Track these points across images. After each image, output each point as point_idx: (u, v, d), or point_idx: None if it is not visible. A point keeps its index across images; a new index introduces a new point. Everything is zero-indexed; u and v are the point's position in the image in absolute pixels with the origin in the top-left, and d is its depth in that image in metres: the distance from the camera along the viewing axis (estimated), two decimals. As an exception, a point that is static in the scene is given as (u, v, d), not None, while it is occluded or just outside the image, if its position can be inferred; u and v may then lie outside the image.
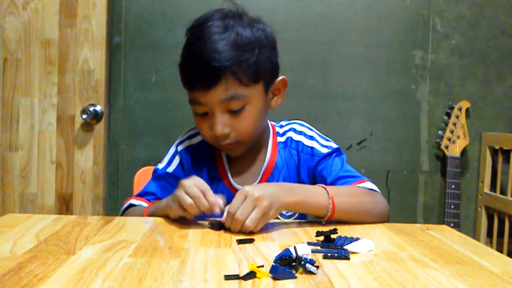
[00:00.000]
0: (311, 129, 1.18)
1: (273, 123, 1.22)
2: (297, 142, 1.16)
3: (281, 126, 1.21)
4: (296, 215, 1.10)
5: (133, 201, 1.14)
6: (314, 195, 0.97)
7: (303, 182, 1.15)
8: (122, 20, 2.04)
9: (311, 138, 1.15)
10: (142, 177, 1.46)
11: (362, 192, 1.06)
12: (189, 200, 0.90)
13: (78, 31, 1.88)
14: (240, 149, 1.09)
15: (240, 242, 0.82)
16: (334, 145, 1.15)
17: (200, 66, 0.99)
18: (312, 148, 1.14)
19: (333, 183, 1.10)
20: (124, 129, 2.06)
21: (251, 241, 0.83)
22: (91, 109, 1.86)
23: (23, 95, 1.89)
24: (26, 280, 0.62)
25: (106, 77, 1.91)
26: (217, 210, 0.91)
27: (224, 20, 1.03)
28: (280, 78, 1.11)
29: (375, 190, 1.09)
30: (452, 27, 2.11)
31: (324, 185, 1.00)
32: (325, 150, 1.13)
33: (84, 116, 1.85)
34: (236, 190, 0.98)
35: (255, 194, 0.88)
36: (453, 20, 2.11)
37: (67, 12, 1.87)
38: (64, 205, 1.91)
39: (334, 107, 2.10)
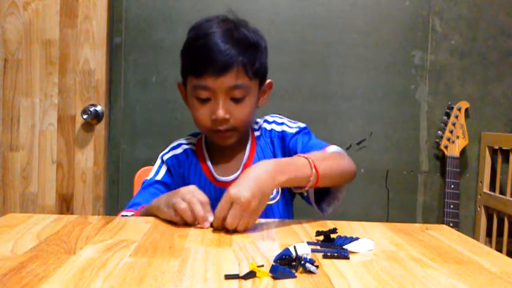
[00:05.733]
0: (281, 117, 1.27)
1: None
2: (270, 131, 1.24)
3: (256, 123, 1.28)
4: (278, 197, 1.15)
5: (124, 213, 1.16)
6: (299, 169, 0.98)
7: None
8: (122, 20, 2.04)
9: (281, 124, 1.24)
10: (143, 177, 1.46)
11: (335, 155, 1.10)
12: (183, 204, 0.92)
13: (78, 32, 1.88)
14: (233, 137, 1.15)
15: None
16: (302, 125, 1.23)
17: (216, 54, 1.07)
18: (282, 131, 1.23)
19: (302, 152, 1.14)
20: (125, 129, 2.07)
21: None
22: (91, 109, 1.87)
23: (24, 95, 1.89)
24: (27, 279, 0.62)
25: (106, 77, 1.92)
26: (206, 225, 0.92)
27: (232, 22, 1.14)
28: (268, 80, 1.22)
29: (341, 152, 1.15)
30: (452, 28, 2.12)
31: (303, 155, 1.01)
32: (294, 130, 1.21)
33: (85, 116, 1.85)
34: (220, 183, 1.12)
35: (241, 198, 0.87)
36: (452, 20, 2.11)
37: (68, 12, 1.88)
38: (65, 205, 1.91)
39: (334, 107, 2.10)
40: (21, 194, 1.90)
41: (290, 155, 1.17)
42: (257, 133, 1.25)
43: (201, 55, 1.09)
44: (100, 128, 1.91)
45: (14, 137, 1.90)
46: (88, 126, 1.91)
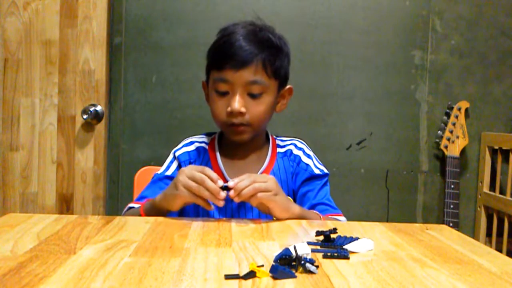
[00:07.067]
0: (309, 149, 1.29)
1: (273, 136, 1.30)
2: (296, 155, 1.26)
3: (282, 140, 1.30)
4: None
5: (131, 204, 1.18)
6: (312, 217, 1.09)
7: (294, 191, 1.25)
8: (122, 20, 2.04)
9: (309, 156, 1.26)
10: (143, 177, 1.47)
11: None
12: (194, 184, 0.98)
13: (78, 32, 1.88)
14: (246, 133, 1.16)
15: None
16: (326, 170, 1.26)
17: (237, 48, 1.12)
18: (307, 164, 1.24)
19: (313, 206, 1.19)
20: (125, 129, 2.07)
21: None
22: (91, 109, 1.87)
23: (24, 95, 1.89)
24: (27, 279, 0.62)
25: (106, 77, 1.92)
26: (222, 195, 0.97)
27: (257, 26, 1.18)
28: (288, 86, 1.25)
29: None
30: (452, 28, 2.12)
31: (318, 213, 1.13)
32: (317, 171, 1.24)
33: (85, 116, 1.85)
34: None
35: (274, 186, 1.00)
36: (452, 20, 2.12)
37: (68, 12, 1.88)
38: (65, 204, 1.91)
39: (334, 107, 2.11)
40: (21, 194, 1.90)
41: (298, 194, 1.23)
42: (280, 150, 1.26)
43: (223, 51, 1.13)
44: (100, 128, 1.91)
45: (14, 137, 1.90)
46: (88, 126, 1.91)
